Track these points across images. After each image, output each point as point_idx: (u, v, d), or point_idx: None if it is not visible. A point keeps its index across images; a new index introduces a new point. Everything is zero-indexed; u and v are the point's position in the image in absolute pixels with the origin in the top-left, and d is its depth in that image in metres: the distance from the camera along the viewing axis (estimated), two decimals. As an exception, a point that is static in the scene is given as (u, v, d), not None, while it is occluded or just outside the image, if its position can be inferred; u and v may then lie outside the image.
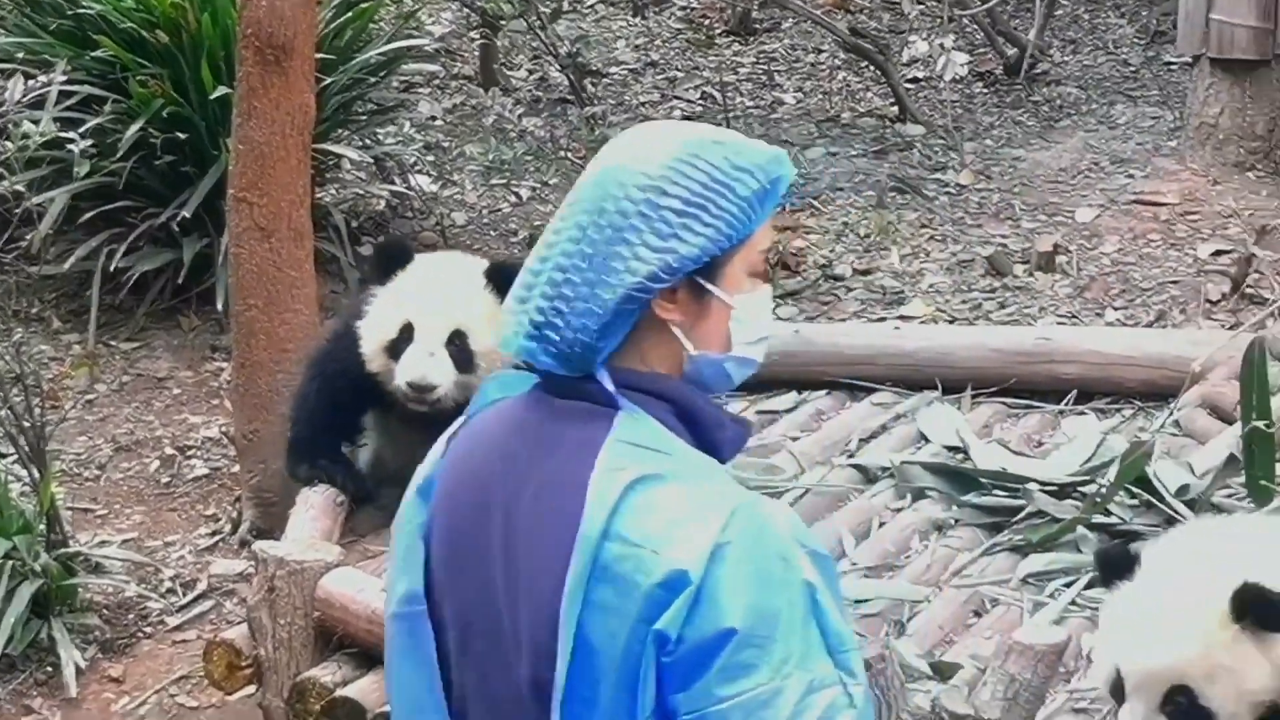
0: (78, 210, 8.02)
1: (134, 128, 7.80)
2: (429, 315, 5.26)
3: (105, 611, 6.58)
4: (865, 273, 8.44)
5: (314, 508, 5.47)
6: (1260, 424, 5.28)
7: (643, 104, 10.41)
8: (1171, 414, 6.14)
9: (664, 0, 11.76)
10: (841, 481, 5.88)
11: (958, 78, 9.64)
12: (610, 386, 2.67)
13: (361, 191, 8.83)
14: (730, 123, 9.41)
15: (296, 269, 6.60)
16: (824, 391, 6.58)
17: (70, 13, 8.17)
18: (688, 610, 2.55)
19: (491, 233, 8.94)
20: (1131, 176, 9.20)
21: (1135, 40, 11.11)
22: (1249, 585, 3.69)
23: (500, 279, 5.12)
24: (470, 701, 2.77)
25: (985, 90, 10.52)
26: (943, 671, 4.67)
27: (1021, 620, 5.00)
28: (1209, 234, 8.59)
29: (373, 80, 8.78)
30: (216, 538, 6.95)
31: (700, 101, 10.46)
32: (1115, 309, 8.02)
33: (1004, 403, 6.48)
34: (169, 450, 7.45)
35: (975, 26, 10.85)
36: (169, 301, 8.16)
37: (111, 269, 7.90)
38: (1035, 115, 10.15)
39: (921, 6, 11.06)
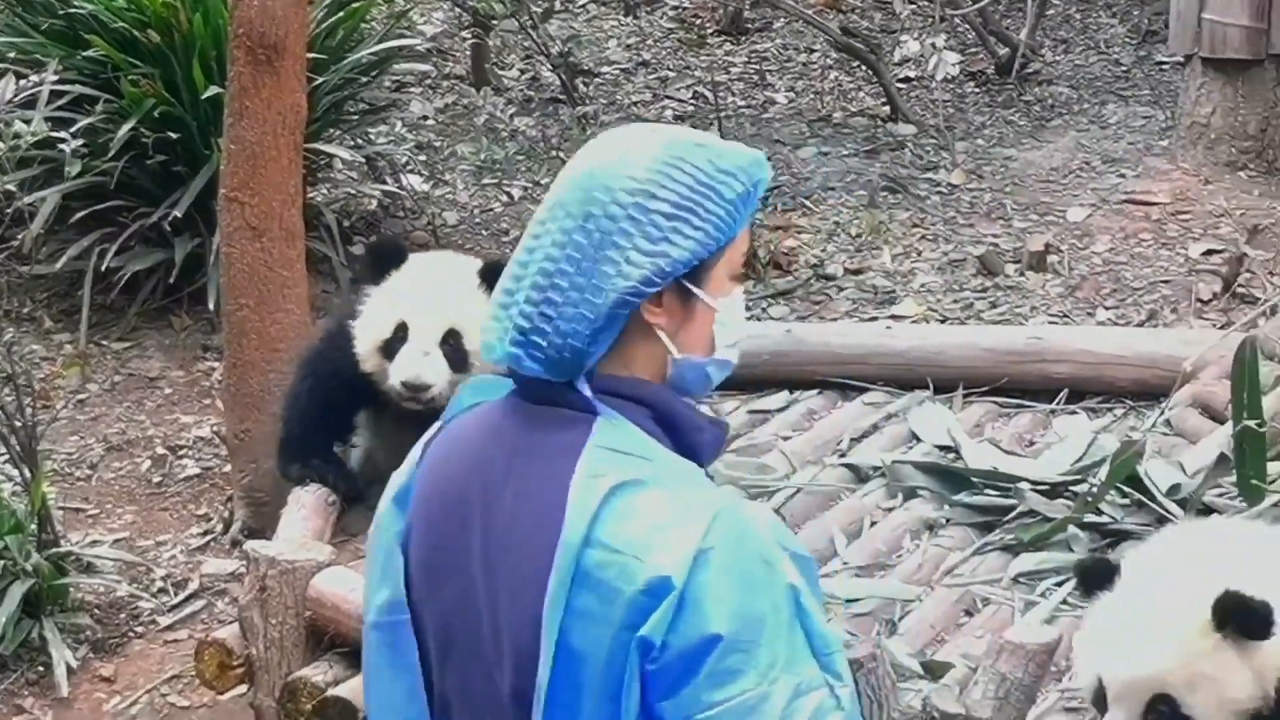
0: (69, 210, 8.02)
1: (125, 127, 7.80)
2: (423, 315, 5.26)
3: (97, 611, 6.57)
4: (857, 272, 8.44)
5: (305, 507, 5.47)
6: (1251, 423, 5.28)
7: (634, 103, 10.41)
8: (1163, 413, 6.14)
9: (656, 0, 11.76)
10: (833, 481, 5.88)
11: (949, 77, 9.63)
12: (588, 392, 2.66)
13: (353, 191, 8.82)
14: (722, 122, 9.41)
15: (288, 268, 6.59)
16: (815, 391, 6.58)
17: (62, 12, 8.17)
18: (672, 616, 2.54)
19: (483, 232, 8.94)
20: (1123, 176, 9.21)
21: (1127, 40, 11.11)
22: (1230, 594, 3.67)
23: (494, 278, 5.06)
24: (453, 709, 2.76)
25: (977, 90, 10.52)
26: (934, 671, 4.67)
27: (1013, 619, 5.00)
28: (1200, 233, 8.60)
29: (364, 80, 8.78)
30: (208, 537, 6.95)
31: (692, 101, 10.46)
32: (1107, 308, 8.02)
33: (995, 402, 6.49)
34: (160, 450, 7.44)
35: (967, 26, 10.85)
36: (160, 301, 8.15)
37: (103, 268, 7.89)
38: (1027, 115, 10.15)
39: (913, 6, 11.06)
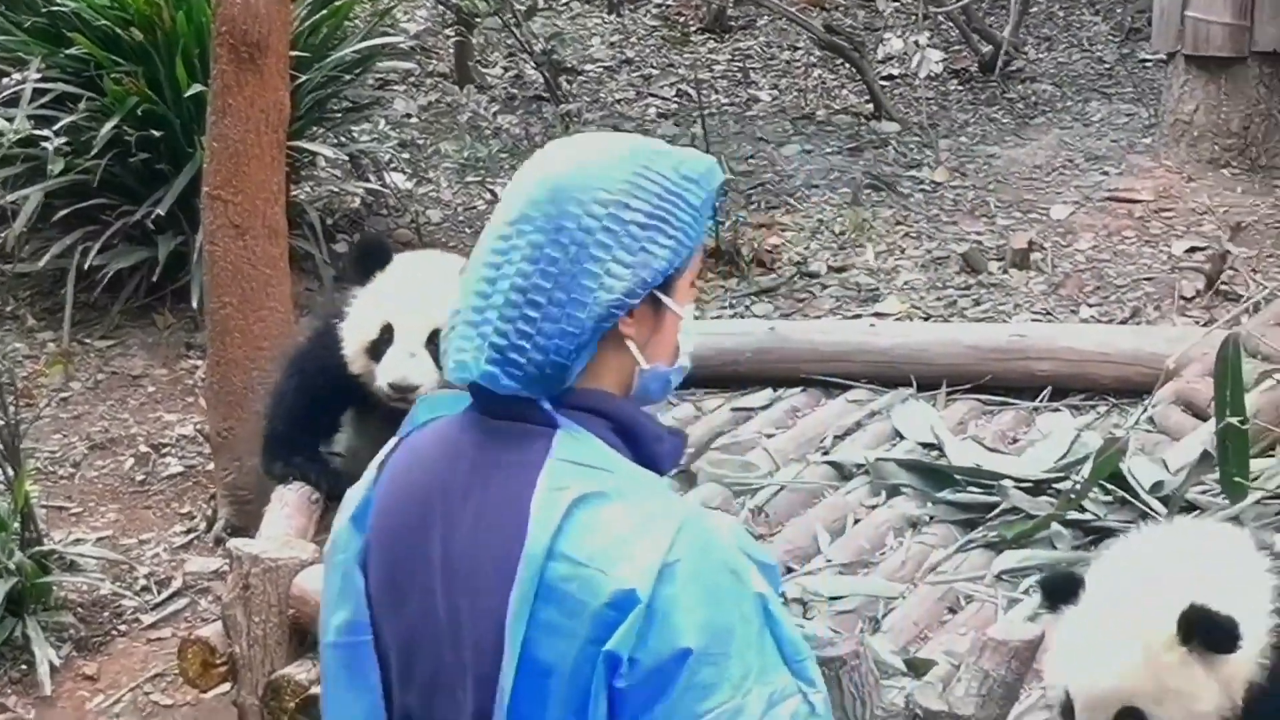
0: (52, 208, 8.00)
1: (108, 125, 7.78)
2: (408, 316, 5.25)
3: (80, 609, 6.56)
4: (840, 270, 8.44)
5: (289, 505, 5.46)
6: (1234, 420, 5.30)
7: (618, 101, 10.41)
8: (1146, 410, 6.16)
9: (639, -3, 11.77)
10: (816, 478, 5.89)
11: (933, 75, 9.63)
12: (547, 405, 2.64)
13: (336, 189, 8.81)
14: (706, 120, 9.41)
15: (271, 266, 6.59)
16: (799, 388, 6.59)
17: (44, 10, 8.15)
18: (639, 631, 2.52)
19: (466, 230, 8.93)
20: (1106, 173, 9.22)
21: (1110, 37, 11.13)
22: (1195, 608, 3.66)
23: (476, 277, 5.12)
24: None
25: (960, 87, 10.53)
26: (917, 668, 4.68)
27: (996, 616, 5.02)
28: (1183, 231, 8.61)
29: (347, 78, 8.77)
30: (191, 535, 6.94)
31: (675, 99, 10.46)
32: (1090, 306, 8.03)
33: (979, 399, 6.50)
34: (144, 448, 7.43)
35: (950, 24, 10.86)
36: (144, 299, 8.14)
37: (86, 266, 7.87)
38: (1010, 112, 10.17)
39: (896, 4, 11.07)
